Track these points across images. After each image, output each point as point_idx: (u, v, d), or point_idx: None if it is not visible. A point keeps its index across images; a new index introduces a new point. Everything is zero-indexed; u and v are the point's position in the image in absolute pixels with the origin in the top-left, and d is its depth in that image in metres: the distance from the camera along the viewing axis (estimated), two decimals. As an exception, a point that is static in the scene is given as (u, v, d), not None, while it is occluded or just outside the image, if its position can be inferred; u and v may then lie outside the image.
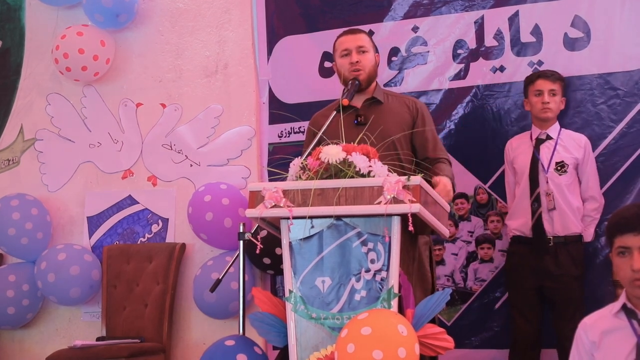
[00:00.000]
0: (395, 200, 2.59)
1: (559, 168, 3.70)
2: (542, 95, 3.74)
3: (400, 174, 2.67)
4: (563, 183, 3.69)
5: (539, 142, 3.77)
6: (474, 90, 4.09)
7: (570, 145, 3.74)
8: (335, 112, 3.24)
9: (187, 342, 4.51)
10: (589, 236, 3.70)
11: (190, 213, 4.33)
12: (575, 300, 3.63)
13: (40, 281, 4.46)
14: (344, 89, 3.36)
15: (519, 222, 3.76)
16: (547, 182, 3.69)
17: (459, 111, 4.11)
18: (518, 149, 3.85)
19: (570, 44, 3.94)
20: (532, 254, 3.69)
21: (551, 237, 3.66)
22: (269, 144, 4.52)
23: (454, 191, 3.17)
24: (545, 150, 3.75)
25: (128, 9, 4.71)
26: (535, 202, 3.70)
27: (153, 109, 4.77)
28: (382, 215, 2.62)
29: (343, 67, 3.43)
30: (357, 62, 3.37)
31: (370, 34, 3.53)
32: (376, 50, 3.49)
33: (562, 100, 3.81)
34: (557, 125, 3.81)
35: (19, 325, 4.72)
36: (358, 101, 3.42)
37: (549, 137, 3.77)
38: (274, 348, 3.97)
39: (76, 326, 4.73)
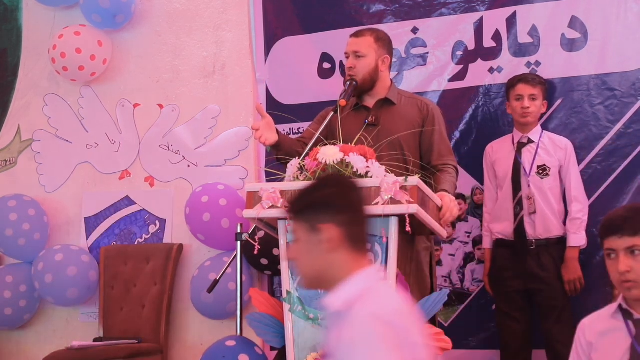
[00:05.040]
0: (393, 201, 2.59)
1: (540, 172, 3.71)
2: (523, 100, 3.74)
3: (404, 175, 2.66)
4: (546, 187, 3.70)
5: (520, 145, 3.78)
6: (472, 91, 4.09)
7: (552, 148, 3.75)
8: (332, 113, 3.23)
9: (185, 342, 4.51)
10: (581, 240, 3.68)
11: (188, 214, 4.32)
12: (561, 300, 3.64)
13: (37, 282, 4.45)
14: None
15: (502, 226, 3.77)
16: (529, 186, 3.70)
17: (458, 112, 4.10)
18: (499, 153, 3.85)
19: (568, 44, 3.94)
20: (515, 256, 3.70)
21: (533, 240, 3.67)
22: (267, 144, 4.51)
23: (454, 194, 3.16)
24: (527, 154, 3.76)
25: (125, 10, 4.70)
26: (518, 205, 3.71)
27: (150, 110, 4.77)
28: (379, 215, 2.62)
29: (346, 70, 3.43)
30: (349, 67, 3.36)
31: (378, 35, 3.47)
32: (387, 52, 3.42)
33: (544, 104, 3.81)
34: (538, 128, 3.82)
35: (17, 326, 4.71)
36: (370, 101, 3.41)
37: (530, 141, 3.78)
38: (272, 349, 3.96)
39: (73, 327, 4.73)
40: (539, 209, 3.67)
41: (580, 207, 3.69)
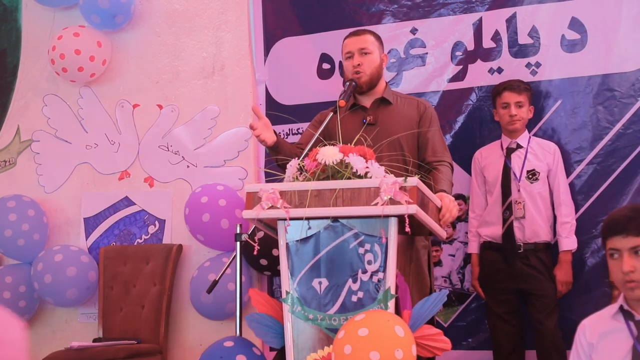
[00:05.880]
0: (392, 202, 2.58)
1: (530, 176, 3.73)
2: (509, 108, 3.77)
3: (404, 175, 2.66)
4: (535, 191, 3.73)
5: (509, 151, 3.80)
6: (472, 92, 4.09)
7: (541, 153, 3.78)
8: (332, 114, 3.23)
9: (184, 343, 4.51)
10: (573, 243, 3.71)
11: (187, 214, 4.32)
12: (551, 299, 3.66)
13: (36, 282, 4.45)
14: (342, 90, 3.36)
15: (491, 230, 3.80)
16: (519, 191, 3.72)
17: (457, 112, 4.10)
18: (488, 159, 3.88)
19: (568, 45, 3.94)
20: (505, 259, 3.71)
21: (522, 244, 3.69)
22: (266, 145, 4.50)
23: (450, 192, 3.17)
24: (516, 160, 3.78)
25: (125, 10, 4.70)
26: (507, 210, 3.73)
27: (150, 110, 4.77)
28: (379, 216, 2.62)
29: (347, 69, 3.43)
30: (358, 64, 3.36)
31: (376, 34, 3.51)
32: (384, 51, 3.48)
33: (530, 110, 3.84)
34: (526, 133, 3.84)
35: (16, 327, 4.71)
36: (367, 101, 3.42)
37: (519, 146, 3.80)
38: (271, 349, 3.96)
39: (73, 327, 4.73)
40: (528, 213, 3.70)
41: (569, 211, 3.74)
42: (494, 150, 3.89)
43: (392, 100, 3.42)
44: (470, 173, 4.02)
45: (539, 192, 3.73)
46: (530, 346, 3.73)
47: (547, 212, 3.75)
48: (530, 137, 3.84)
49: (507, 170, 3.78)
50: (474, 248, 3.90)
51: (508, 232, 3.72)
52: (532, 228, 3.69)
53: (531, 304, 3.68)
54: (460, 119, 4.10)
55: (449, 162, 3.32)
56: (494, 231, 3.77)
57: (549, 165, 3.76)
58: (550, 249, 3.74)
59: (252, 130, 3.24)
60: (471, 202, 3.95)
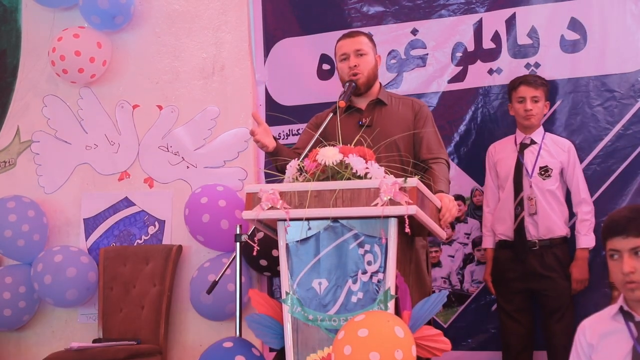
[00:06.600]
0: (392, 202, 2.58)
1: (542, 173, 3.71)
2: (525, 103, 3.75)
3: (401, 176, 2.66)
4: (546, 188, 3.71)
5: (523, 146, 3.79)
6: (471, 93, 4.09)
7: (554, 150, 3.76)
8: (331, 115, 3.23)
9: (184, 343, 4.50)
10: (591, 241, 3.68)
11: (187, 215, 4.32)
12: (564, 299, 3.64)
13: (36, 283, 4.45)
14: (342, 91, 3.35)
15: (504, 227, 3.78)
16: (531, 187, 3.70)
17: (457, 113, 4.10)
18: (501, 153, 3.86)
19: (567, 46, 3.95)
20: (517, 257, 3.70)
21: (537, 240, 3.67)
22: (266, 145, 4.50)
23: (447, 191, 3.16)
24: (529, 155, 3.76)
25: (124, 11, 4.70)
26: (519, 206, 3.71)
27: (149, 111, 4.76)
28: (378, 217, 2.62)
29: (343, 71, 3.41)
30: (355, 66, 3.35)
31: (369, 36, 3.51)
32: (377, 52, 3.48)
33: (546, 105, 3.82)
34: (541, 129, 3.82)
35: (16, 327, 4.71)
36: (362, 103, 3.41)
37: (533, 142, 3.79)
38: (271, 350, 3.96)
39: (73, 328, 4.73)
40: (541, 209, 3.68)
41: (589, 209, 3.72)
42: (507, 145, 3.86)
43: (387, 101, 3.41)
44: (469, 173, 4.03)
45: (551, 189, 3.71)
46: (539, 347, 3.73)
47: (561, 207, 3.72)
48: (544, 133, 3.82)
49: (519, 166, 3.75)
50: (488, 243, 3.88)
51: (519, 229, 3.70)
52: (546, 224, 3.67)
53: (544, 304, 3.67)
54: (461, 120, 4.10)
55: (445, 159, 3.30)
56: (507, 228, 3.75)
57: (562, 164, 3.74)
58: (568, 243, 3.72)
59: (252, 136, 3.23)
60: (485, 196, 3.93)
